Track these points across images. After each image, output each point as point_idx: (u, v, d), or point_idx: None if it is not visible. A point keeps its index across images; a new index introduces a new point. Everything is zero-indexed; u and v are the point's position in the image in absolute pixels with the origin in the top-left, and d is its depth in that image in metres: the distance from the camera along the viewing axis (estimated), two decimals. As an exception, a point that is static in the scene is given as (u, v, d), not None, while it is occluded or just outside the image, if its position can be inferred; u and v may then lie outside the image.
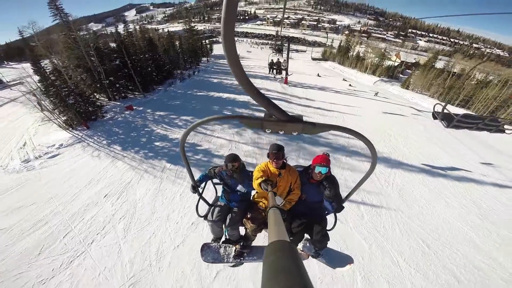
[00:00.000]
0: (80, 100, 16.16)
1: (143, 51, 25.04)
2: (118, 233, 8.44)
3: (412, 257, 8.14)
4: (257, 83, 29.04)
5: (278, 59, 24.66)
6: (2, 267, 7.45)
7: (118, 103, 21.70)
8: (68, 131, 15.94)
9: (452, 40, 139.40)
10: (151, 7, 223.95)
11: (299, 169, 2.91)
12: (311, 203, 2.85)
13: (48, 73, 15.43)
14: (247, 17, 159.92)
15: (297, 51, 71.68)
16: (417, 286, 7.25)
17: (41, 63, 15.74)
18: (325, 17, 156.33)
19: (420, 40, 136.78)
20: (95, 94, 20.05)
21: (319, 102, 23.42)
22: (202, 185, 3.17)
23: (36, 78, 15.59)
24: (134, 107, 20.41)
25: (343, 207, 2.66)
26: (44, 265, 7.46)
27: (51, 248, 8.00)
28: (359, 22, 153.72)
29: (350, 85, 34.83)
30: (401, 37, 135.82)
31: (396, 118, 21.67)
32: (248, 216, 2.89)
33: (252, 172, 2.86)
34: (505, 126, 8.24)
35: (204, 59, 49.26)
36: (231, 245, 3.14)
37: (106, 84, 20.72)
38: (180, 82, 29.90)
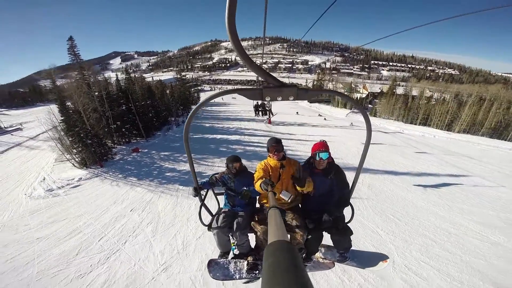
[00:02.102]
0: (95, 141, 18.46)
1: (144, 98, 28.31)
2: (148, 234, 10.28)
3: (388, 227, 10.16)
4: (244, 125, 32.30)
5: (263, 101, 28.50)
6: (41, 266, 8.65)
7: (124, 146, 24.22)
8: (83, 169, 17.93)
9: (409, 66, 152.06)
10: (136, 55, 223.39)
11: (301, 163, 2.93)
12: (320, 197, 2.76)
13: (70, 113, 17.79)
14: (228, 65, 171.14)
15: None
16: (399, 247, 8.99)
17: (66, 104, 18.16)
18: (298, 59, 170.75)
19: (383, 70, 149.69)
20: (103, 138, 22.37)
21: (300, 135, 27.25)
22: (203, 193, 3.06)
23: (59, 117, 17.81)
24: (140, 150, 22.63)
25: (349, 203, 2.72)
26: (83, 263, 8.75)
27: (88, 250, 9.44)
28: (328, 60, 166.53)
29: (324, 119, 40.23)
30: (366, 70, 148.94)
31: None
32: (257, 218, 2.77)
33: (254, 174, 2.82)
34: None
35: (194, 107, 52.92)
36: (241, 260, 2.87)
37: (114, 129, 23.14)
38: (176, 127, 33.33)
